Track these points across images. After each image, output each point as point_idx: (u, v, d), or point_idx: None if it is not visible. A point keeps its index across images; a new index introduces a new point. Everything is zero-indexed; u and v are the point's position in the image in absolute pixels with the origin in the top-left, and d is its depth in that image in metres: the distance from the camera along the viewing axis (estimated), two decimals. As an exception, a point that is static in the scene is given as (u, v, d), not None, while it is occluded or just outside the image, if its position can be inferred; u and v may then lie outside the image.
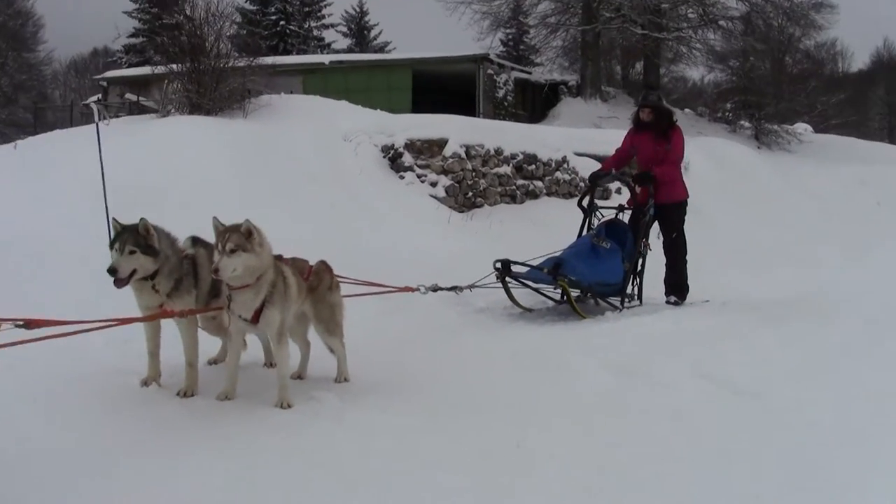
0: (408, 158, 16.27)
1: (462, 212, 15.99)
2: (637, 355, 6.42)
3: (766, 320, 7.76)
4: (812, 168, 25.30)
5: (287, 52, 40.99)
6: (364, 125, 17.03)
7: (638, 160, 9.75)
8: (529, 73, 35.72)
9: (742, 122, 31.90)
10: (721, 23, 35.34)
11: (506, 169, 17.27)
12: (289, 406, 5.10)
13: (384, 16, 72.76)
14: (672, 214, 9.46)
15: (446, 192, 16.03)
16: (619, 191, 16.08)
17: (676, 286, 9.48)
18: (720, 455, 4.34)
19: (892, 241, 15.63)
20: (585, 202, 9.78)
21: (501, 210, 16.66)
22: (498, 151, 17.20)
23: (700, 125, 29.79)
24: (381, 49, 53.30)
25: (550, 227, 15.40)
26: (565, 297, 8.80)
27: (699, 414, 5.05)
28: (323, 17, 50.41)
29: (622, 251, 9.08)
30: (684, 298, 9.44)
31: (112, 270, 4.99)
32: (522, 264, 8.67)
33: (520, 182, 17.58)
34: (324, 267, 5.86)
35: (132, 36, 43.31)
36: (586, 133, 22.00)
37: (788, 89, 33.21)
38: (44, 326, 4.13)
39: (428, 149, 16.48)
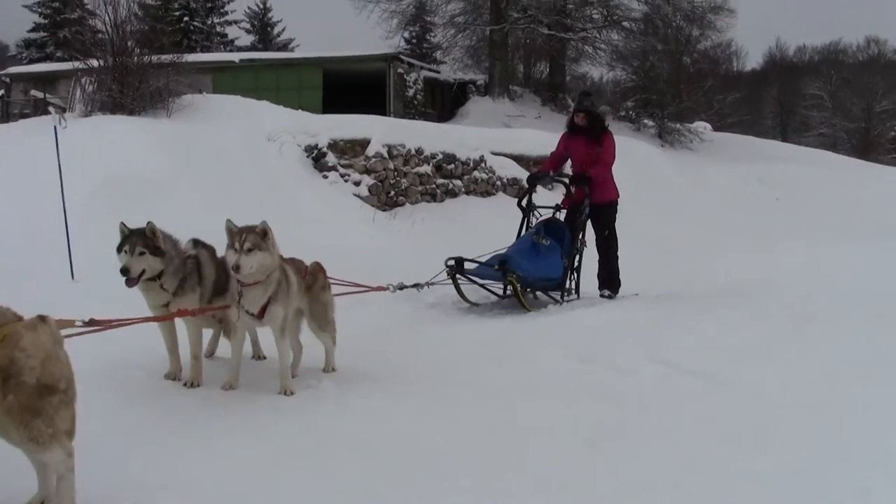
0: (331, 158, 16.57)
1: (385, 210, 16.38)
2: (594, 344, 6.91)
3: (701, 310, 8.43)
4: (714, 166, 26.44)
5: (191, 49, 40.36)
6: (287, 125, 17.23)
7: (572, 162, 10.27)
8: (438, 72, 36.18)
9: (645, 121, 32.98)
10: (624, 24, 36.42)
11: (426, 168, 17.69)
12: (291, 393, 5.50)
13: (287, 13, 72.30)
14: (604, 213, 9.98)
15: (369, 191, 16.41)
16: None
17: (609, 280, 10.02)
18: (695, 430, 4.88)
19: (794, 234, 16.65)
20: (525, 202, 10.25)
21: (422, 209, 17.06)
22: (419, 151, 17.61)
23: (604, 124, 30.58)
24: (284, 46, 53.04)
25: (470, 225, 15.97)
26: (510, 292, 9.31)
27: (664, 395, 5.60)
28: (226, 13, 49.97)
29: (561, 248, 9.57)
30: (617, 292, 9.99)
31: (124, 271, 5.31)
32: (472, 261, 9.12)
33: (440, 181, 18.01)
34: (318, 267, 6.27)
35: (33, 30, 42.37)
36: (502, 133, 22.58)
37: (686, 88, 34.43)
38: (102, 324, 4.67)
39: (351, 149, 16.80)
